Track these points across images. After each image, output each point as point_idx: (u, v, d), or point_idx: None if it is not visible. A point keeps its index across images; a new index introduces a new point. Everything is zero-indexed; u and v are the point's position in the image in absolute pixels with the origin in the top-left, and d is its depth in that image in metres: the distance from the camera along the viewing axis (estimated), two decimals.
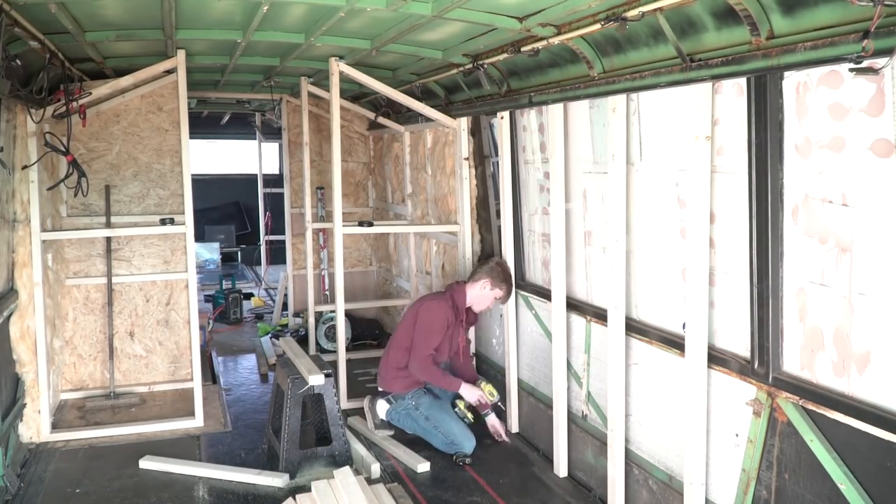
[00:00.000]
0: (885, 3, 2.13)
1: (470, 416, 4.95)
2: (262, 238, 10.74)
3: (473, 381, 5.07)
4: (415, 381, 5.02)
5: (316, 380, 4.59)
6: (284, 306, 8.67)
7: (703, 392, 3.33)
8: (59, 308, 5.77)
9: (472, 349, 5.74)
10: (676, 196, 3.56)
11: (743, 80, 2.98)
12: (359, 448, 4.76)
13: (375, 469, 4.52)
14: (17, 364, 4.86)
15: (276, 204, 9.83)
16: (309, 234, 7.46)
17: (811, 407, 2.81)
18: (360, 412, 5.52)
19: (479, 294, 5.00)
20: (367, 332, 7.87)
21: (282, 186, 8.65)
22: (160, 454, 4.73)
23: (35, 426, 4.96)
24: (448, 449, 4.77)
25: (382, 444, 4.97)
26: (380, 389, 5.23)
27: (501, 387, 5.41)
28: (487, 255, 5.94)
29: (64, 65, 4.76)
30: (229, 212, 14.54)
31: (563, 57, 3.99)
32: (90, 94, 5.11)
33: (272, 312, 9.09)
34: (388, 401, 5.11)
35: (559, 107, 4.36)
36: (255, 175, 11.14)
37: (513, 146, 5.13)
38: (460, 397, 4.99)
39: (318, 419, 4.85)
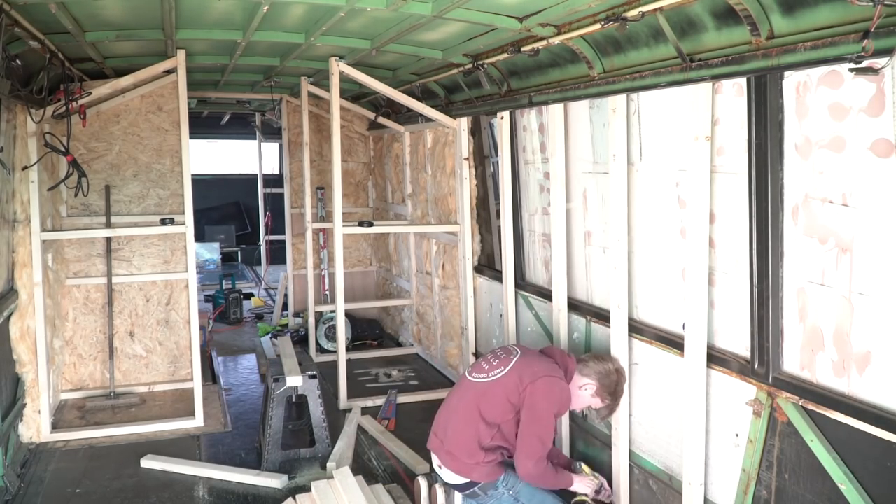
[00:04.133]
0: (886, 3, 2.13)
1: None
2: (262, 238, 10.74)
3: (567, 468, 3.94)
4: (501, 462, 3.66)
5: (294, 380, 4.58)
6: (284, 306, 8.67)
7: (702, 392, 3.33)
8: (59, 308, 5.77)
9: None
10: (677, 196, 3.56)
11: (743, 80, 2.98)
12: (336, 449, 4.74)
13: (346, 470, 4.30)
14: (17, 364, 4.86)
15: (276, 204, 9.84)
16: (309, 234, 7.46)
17: (811, 407, 2.81)
18: (368, 411, 5.51)
19: (576, 393, 3.70)
20: (367, 332, 7.88)
21: (282, 186, 8.66)
22: (160, 454, 4.73)
23: (35, 426, 4.95)
24: None
25: (383, 444, 4.97)
26: (450, 475, 3.69)
27: None
28: (488, 255, 5.94)
29: (64, 65, 4.75)
30: (229, 212, 14.53)
31: (563, 57, 3.99)
32: (90, 94, 5.11)
33: (272, 312, 9.09)
34: (473, 493, 3.69)
35: (559, 107, 4.36)
36: (255, 175, 11.15)
37: (513, 146, 5.13)
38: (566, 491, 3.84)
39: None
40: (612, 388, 3.68)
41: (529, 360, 3.70)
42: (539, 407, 3.53)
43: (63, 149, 4.95)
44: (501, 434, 3.59)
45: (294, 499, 4.11)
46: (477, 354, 5.91)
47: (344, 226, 5.66)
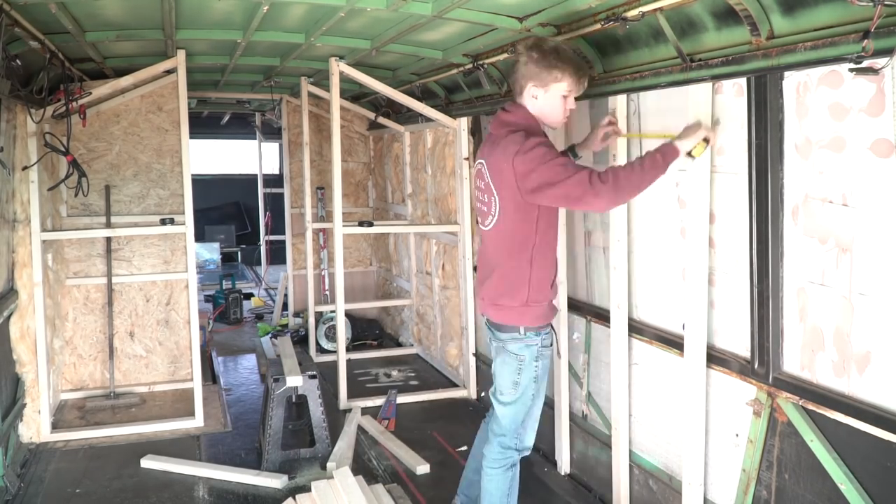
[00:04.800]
0: (886, 3, 2.13)
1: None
2: (262, 238, 10.75)
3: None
4: (546, 309, 3.25)
5: (294, 380, 4.59)
6: (284, 306, 8.67)
7: (702, 392, 3.33)
8: (59, 308, 5.77)
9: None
10: (676, 196, 3.56)
11: (743, 80, 2.98)
12: (336, 449, 4.74)
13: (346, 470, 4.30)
14: (17, 364, 4.86)
15: (276, 204, 9.84)
16: (309, 234, 7.47)
17: (811, 407, 2.81)
18: (368, 411, 5.51)
19: (539, 107, 3.13)
20: (367, 332, 7.88)
21: (282, 186, 8.65)
22: (160, 454, 4.73)
23: (35, 426, 4.95)
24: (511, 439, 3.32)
25: (383, 444, 4.97)
26: (493, 320, 3.27)
27: None
28: None
29: (64, 65, 4.75)
30: (229, 212, 14.53)
31: None
32: (90, 94, 5.11)
33: (272, 312, 9.09)
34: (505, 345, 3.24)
35: None
36: (255, 175, 11.15)
37: None
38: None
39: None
40: (543, 63, 3.03)
41: (493, 156, 3.11)
42: (539, 167, 2.94)
43: (63, 149, 4.95)
44: (535, 251, 3.14)
45: (294, 499, 4.11)
46: (477, 355, 5.91)
47: (344, 226, 5.66)
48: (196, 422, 5.30)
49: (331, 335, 7.32)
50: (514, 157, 2.98)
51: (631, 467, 3.95)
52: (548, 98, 3.12)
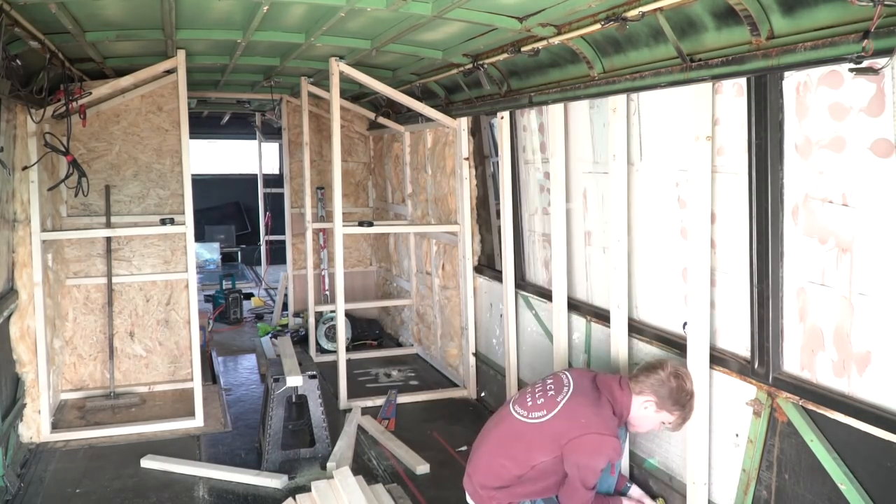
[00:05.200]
0: (885, 3, 2.13)
1: None
2: (262, 238, 10.75)
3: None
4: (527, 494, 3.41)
5: (294, 380, 4.59)
6: (284, 306, 8.68)
7: (705, 392, 3.33)
8: (59, 308, 5.77)
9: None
10: (677, 196, 3.56)
11: (743, 80, 2.99)
12: (336, 449, 4.74)
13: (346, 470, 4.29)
14: (17, 364, 4.86)
15: (276, 204, 9.84)
16: (309, 234, 7.47)
17: (811, 407, 2.81)
18: (368, 411, 5.53)
19: (640, 414, 3.37)
20: (367, 332, 7.88)
21: (282, 186, 8.66)
22: (160, 454, 4.73)
23: (35, 426, 4.95)
24: None
25: (383, 444, 4.97)
26: None
27: (502, 387, 5.42)
28: (488, 255, 5.94)
29: (64, 65, 4.75)
30: (229, 212, 14.54)
31: (563, 57, 3.99)
32: (90, 94, 5.11)
33: (272, 312, 9.09)
34: None
35: (559, 107, 4.36)
36: (255, 175, 11.15)
37: (513, 146, 5.13)
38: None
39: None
40: (674, 395, 3.27)
41: (579, 403, 3.33)
42: (584, 463, 3.22)
43: (63, 149, 4.95)
44: (536, 473, 3.31)
45: (294, 499, 4.11)
46: (477, 355, 5.91)
47: (344, 226, 5.66)
48: (196, 422, 5.30)
49: (331, 335, 7.32)
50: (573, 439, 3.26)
51: (631, 467, 3.95)
52: (654, 416, 3.37)
